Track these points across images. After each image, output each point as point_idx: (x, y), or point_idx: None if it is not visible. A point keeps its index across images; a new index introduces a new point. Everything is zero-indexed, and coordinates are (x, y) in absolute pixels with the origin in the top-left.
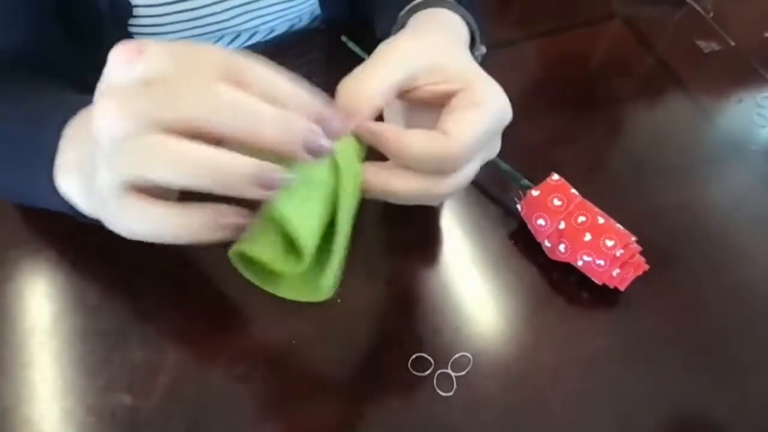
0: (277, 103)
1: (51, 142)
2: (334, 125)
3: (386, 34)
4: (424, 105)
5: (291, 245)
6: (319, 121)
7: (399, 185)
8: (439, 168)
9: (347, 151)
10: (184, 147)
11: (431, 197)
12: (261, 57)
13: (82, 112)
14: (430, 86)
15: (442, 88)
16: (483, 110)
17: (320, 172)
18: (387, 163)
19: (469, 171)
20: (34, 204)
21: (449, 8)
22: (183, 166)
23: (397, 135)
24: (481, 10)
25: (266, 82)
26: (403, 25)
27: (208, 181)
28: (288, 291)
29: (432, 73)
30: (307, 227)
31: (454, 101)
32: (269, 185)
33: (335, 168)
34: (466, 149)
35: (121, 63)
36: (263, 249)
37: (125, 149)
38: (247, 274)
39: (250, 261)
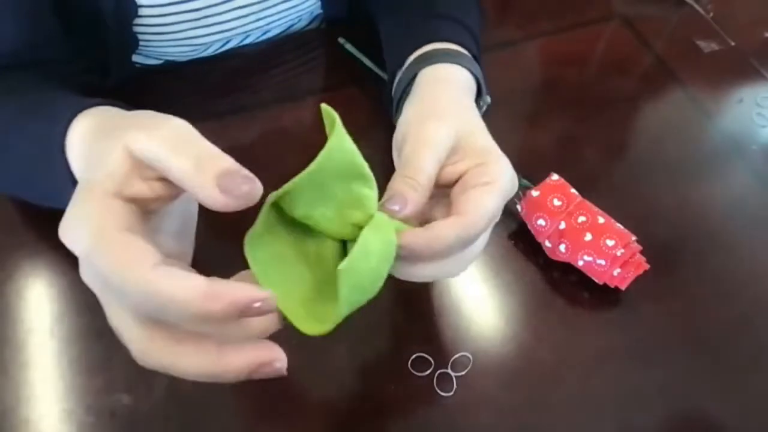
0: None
1: (63, 162)
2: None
3: (393, 75)
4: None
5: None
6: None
7: (423, 272)
8: (463, 247)
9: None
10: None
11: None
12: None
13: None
14: (451, 166)
15: (460, 167)
16: (495, 187)
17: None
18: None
19: (486, 237)
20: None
21: (457, 62)
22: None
23: (425, 239)
24: (479, 21)
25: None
26: (413, 76)
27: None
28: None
29: (454, 152)
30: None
31: (467, 177)
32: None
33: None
34: (483, 226)
35: None
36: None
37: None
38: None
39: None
